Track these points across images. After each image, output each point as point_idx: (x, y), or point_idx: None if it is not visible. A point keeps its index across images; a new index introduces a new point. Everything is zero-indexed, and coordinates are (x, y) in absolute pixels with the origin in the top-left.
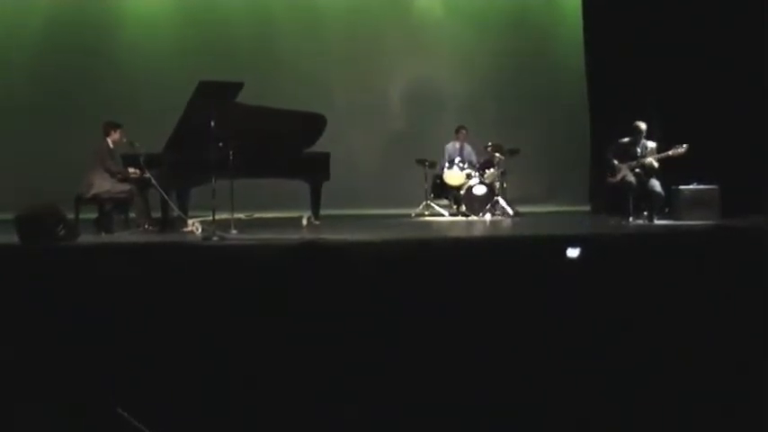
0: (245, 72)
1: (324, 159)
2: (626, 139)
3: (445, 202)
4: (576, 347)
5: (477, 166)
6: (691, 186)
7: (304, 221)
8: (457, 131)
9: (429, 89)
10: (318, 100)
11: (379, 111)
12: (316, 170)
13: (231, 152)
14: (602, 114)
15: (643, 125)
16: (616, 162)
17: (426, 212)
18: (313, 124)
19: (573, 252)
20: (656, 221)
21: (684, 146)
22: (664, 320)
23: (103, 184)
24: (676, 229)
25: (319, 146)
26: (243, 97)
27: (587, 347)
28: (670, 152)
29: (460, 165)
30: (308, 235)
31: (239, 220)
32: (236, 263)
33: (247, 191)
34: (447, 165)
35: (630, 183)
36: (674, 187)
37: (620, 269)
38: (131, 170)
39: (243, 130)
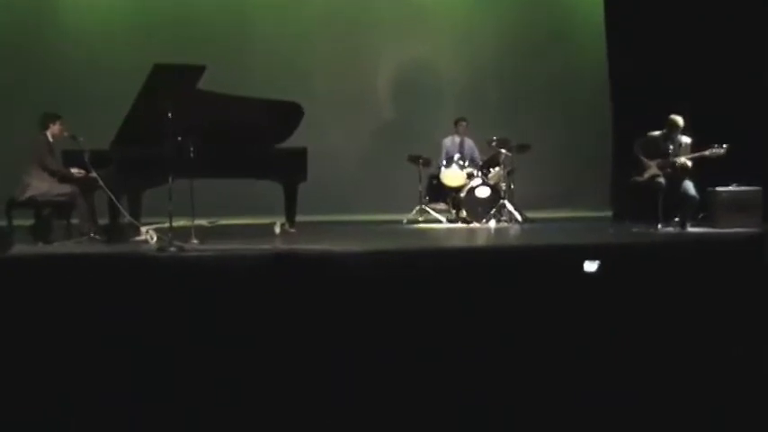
0: (208, 54)
1: (300, 156)
2: (657, 133)
3: (443, 206)
4: (594, 378)
5: (480, 164)
6: (729, 188)
7: (277, 229)
8: (456, 124)
9: (424, 74)
10: (295, 87)
11: (365, 99)
12: (291, 169)
13: (191, 148)
14: (627, 105)
15: (680, 120)
16: (644, 159)
17: (421, 218)
18: (288, 115)
19: (591, 265)
20: (690, 229)
21: (724, 146)
22: (697, 345)
23: (41, 186)
24: (713, 237)
25: (295, 140)
26: (206, 83)
27: (607, 378)
28: (707, 152)
29: (460, 163)
30: (281, 245)
31: (201, 227)
32: (197, 277)
33: (211, 193)
34: (445, 163)
35: (660, 183)
36: (710, 189)
37: (646, 285)
38: (74, 169)
39: (205, 121)
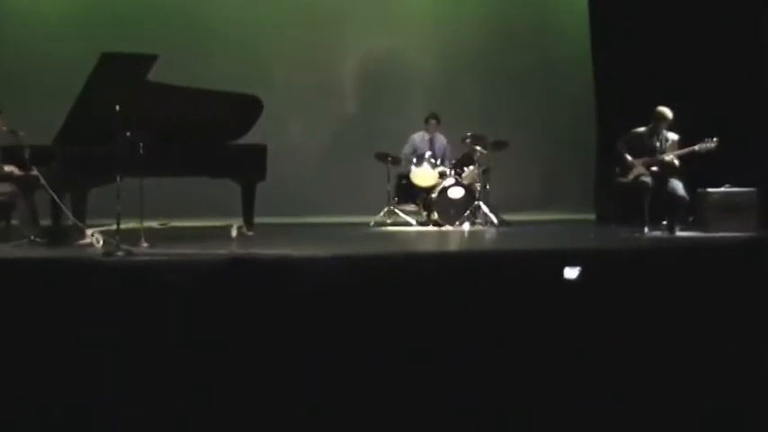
0: (161, 43)
1: (259, 153)
2: (642, 129)
3: (413, 207)
4: (574, 396)
5: (453, 162)
6: (721, 189)
7: (233, 232)
8: (427, 120)
9: (392, 66)
10: (254, 79)
11: (329, 93)
12: (249, 167)
13: (141, 144)
14: (612, 100)
15: (668, 112)
16: (628, 157)
17: (389, 220)
18: (246, 109)
19: (572, 272)
20: (679, 233)
21: (715, 140)
22: (687, 358)
23: None
24: (703, 242)
25: (253, 136)
26: (158, 74)
27: (589, 396)
28: (696, 147)
29: (432, 161)
30: (238, 249)
31: (151, 230)
32: (147, 284)
33: (162, 193)
34: (415, 161)
35: (646, 184)
36: (700, 190)
37: (631, 294)
38: (11, 168)
39: (156, 116)
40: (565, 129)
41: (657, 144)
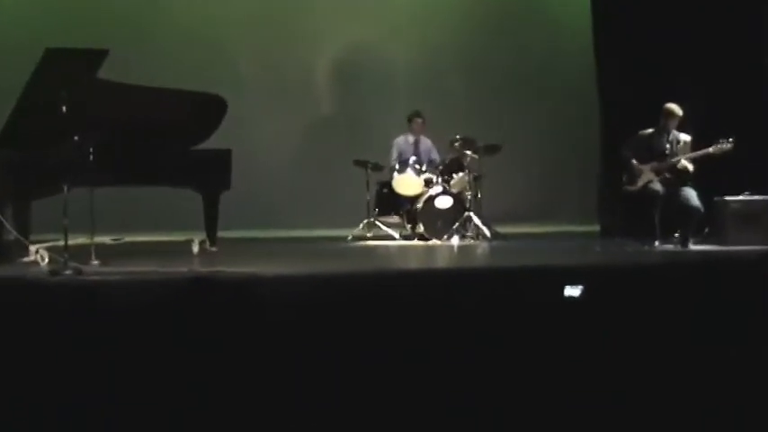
0: (113, 37)
1: (223, 159)
2: (650, 131)
3: (395, 219)
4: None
5: (441, 168)
6: (741, 197)
7: (195, 248)
8: (410, 121)
9: (372, 61)
10: (217, 76)
11: (301, 92)
12: (211, 174)
13: (91, 149)
14: (618, 98)
15: (677, 109)
16: (635, 163)
17: (369, 234)
18: (208, 110)
19: (573, 291)
20: (693, 246)
21: (731, 140)
22: (703, 384)
23: None
24: (721, 256)
25: (217, 140)
26: (110, 72)
27: (594, 425)
28: (711, 149)
29: (416, 167)
30: (200, 267)
31: (103, 246)
32: (98, 306)
33: (115, 205)
34: (398, 167)
35: (656, 192)
36: (717, 198)
37: (639, 315)
38: None
39: (108, 117)
40: (565, 131)
41: (668, 146)
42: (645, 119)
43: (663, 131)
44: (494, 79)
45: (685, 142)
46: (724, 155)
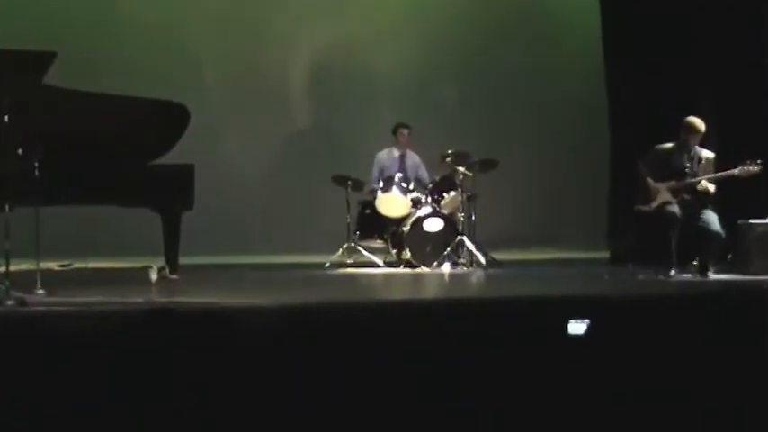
0: (63, 38)
1: (185, 176)
2: (668, 146)
3: (379, 243)
4: None
5: (430, 186)
6: (766, 221)
7: (153, 275)
8: (395, 132)
9: (353, 67)
10: (179, 83)
11: (274, 100)
12: (172, 193)
13: (37, 164)
14: (630, 109)
15: (700, 123)
16: (651, 181)
17: (349, 260)
18: (168, 120)
19: (578, 326)
20: (713, 275)
21: (759, 162)
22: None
23: None
24: (745, 287)
25: (178, 154)
26: (58, 78)
27: None
28: (736, 171)
29: (402, 185)
30: (158, 297)
31: (50, 272)
32: (43, 340)
33: (63, 226)
34: (381, 185)
35: (673, 214)
36: (740, 222)
37: (653, 353)
38: None
39: (56, 128)
40: (569, 144)
41: (688, 164)
42: (660, 130)
43: (683, 147)
44: (490, 87)
45: (707, 160)
46: (750, 178)
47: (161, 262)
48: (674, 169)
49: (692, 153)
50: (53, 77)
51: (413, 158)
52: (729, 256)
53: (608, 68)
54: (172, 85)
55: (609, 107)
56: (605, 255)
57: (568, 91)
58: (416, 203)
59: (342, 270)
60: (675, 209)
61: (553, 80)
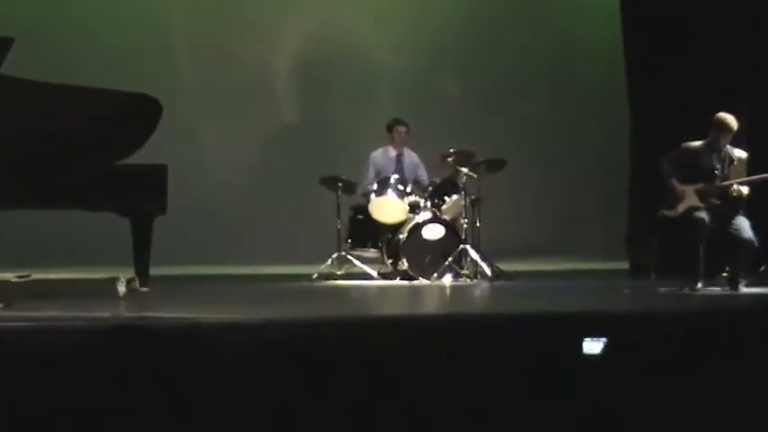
0: (18, 24)
1: (156, 177)
2: (696, 144)
3: (372, 252)
4: None
5: (430, 189)
6: None
7: (121, 288)
8: (391, 129)
9: (346, 57)
10: (150, 74)
11: (256, 94)
12: (142, 195)
13: None
14: (652, 106)
15: (731, 121)
16: (677, 183)
17: (339, 271)
18: (137, 114)
19: (594, 346)
20: (745, 289)
21: None
22: None
23: None
24: None
25: (148, 153)
26: (14, 67)
27: None
28: None
29: (399, 187)
30: (127, 312)
31: (6, 284)
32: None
33: (22, 233)
34: (375, 187)
35: (700, 220)
36: None
37: (678, 377)
38: None
39: (12, 123)
40: (585, 142)
41: (718, 165)
42: (688, 127)
43: (713, 147)
44: (497, 79)
45: (740, 160)
46: None
47: (130, 273)
48: (702, 170)
49: (722, 153)
50: (8, 66)
51: (411, 158)
52: (763, 268)
53: (628, 59)
54: (142, 76)
55: (630, 102)
56: (625, 265)
57: (585, 83)
58: (414, 208)
59: (331, 282)
60: (703, 214)
61: (567, 71)
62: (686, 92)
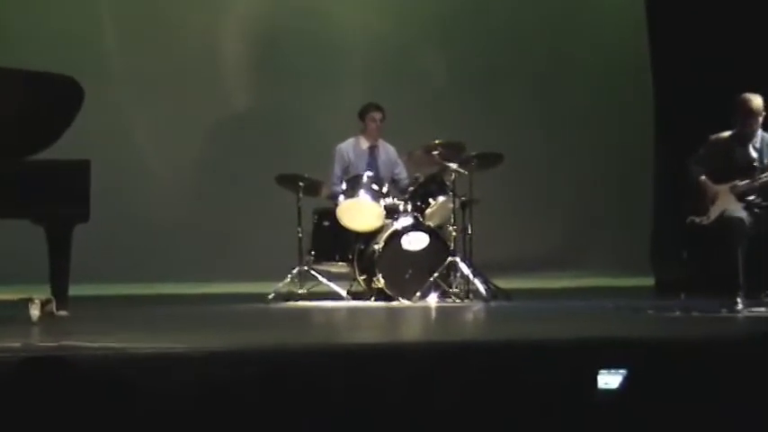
0: None
1: (77, 175)
2: (726, 134)
3: (341, 267)
4: None
5: (411, 189)
6: None
7: (34, 311)
8: (364, 116)
9: (310, 28)
10: (72, 52)
11: (200, 77)
12: (60, 198)
13: None
14: (682, 85)
15: (757, 100)
16: (706, 181)
17: (301, 290)
18: (52, 99)
19: (612, 379)
20: None
21: None
22: None
23: None
24: None
25: (66, 147)
26: None
27: None
28: None
29: (373, 187)
30: (41, 340)
31: None
32: None
33: None
34: (344, 187)
35: (738, 222)
36: None
37: (712, 417)
38: None
39: None
40: (601, 137)
41: (754, 155)
42: (723, 121)
43: (745, 135)
44: (490, 56)
45: None
46: None
47: (45, 293)
48: (737, 165)
49: (757, 141)
50: None
51: (387, 152)
52: None
53: (652, 31)
54: (62, 54)
55: (654, 84)
56: (648, 282)
57: (597, 60)
58: (392, 212)
59: (291, 304)
60: (742, 214)
61: (576, 46)
62: (722, 73)
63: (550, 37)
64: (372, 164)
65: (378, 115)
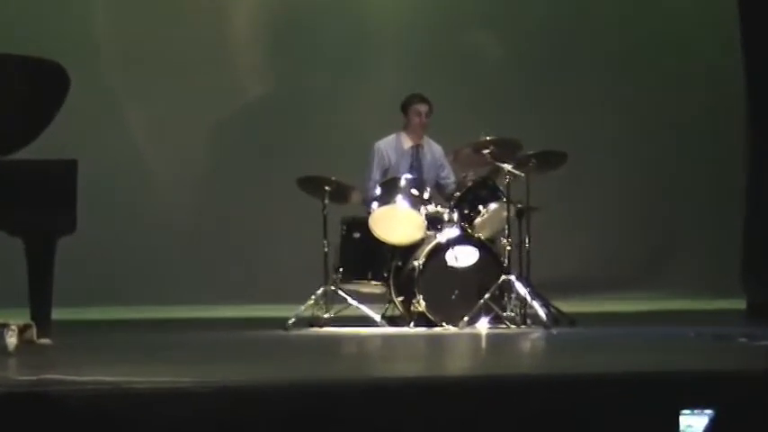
0: None
1: (63, 178)
2: None
3: (375, 286)
4: None
5: (457, 195)
6: None
7: (11, 339)
8: (407, 109)
9: (339, 13)
10: (60, 36)
11: (210, 65)
12: (41, 205)
13: None
14: None
15: None
16: None
17: (326, 314)
18: (32, 87)
19: (696, 421)
20: None
21: None
22: None
23: None
24: None
25: (50, 145)
26: None
27: None
28: None
29: (413, 193)
30: (19, 374)
31: None
32: None
33: None
34: (379, 192)
35: None
36: None
37: None
38: None
39: None
40: (684, 138)
41: None
42: None
43: None
44: (556, 36)
45: None
46: None
47: (25, 318)
48: None
49: None
50: None
51: (433, 152)
52: None
53: (745, 29)
54: (49, 39)
55: (746, 86)
56: (739, 305)
57: (680, 48)
58: (435, 222)
59: (315, 330)
60: None
61: (654, 29)
62: None
63: (620, 17)
64: (415, 165)
65: (423, 108)
